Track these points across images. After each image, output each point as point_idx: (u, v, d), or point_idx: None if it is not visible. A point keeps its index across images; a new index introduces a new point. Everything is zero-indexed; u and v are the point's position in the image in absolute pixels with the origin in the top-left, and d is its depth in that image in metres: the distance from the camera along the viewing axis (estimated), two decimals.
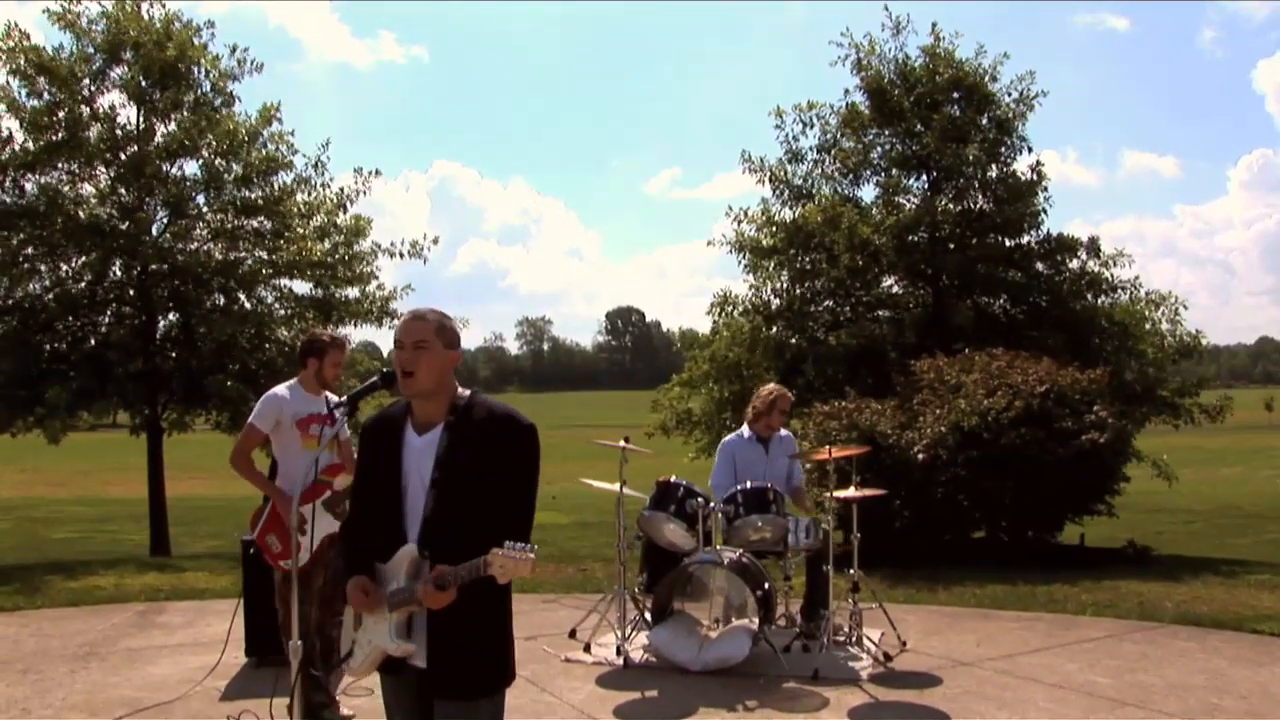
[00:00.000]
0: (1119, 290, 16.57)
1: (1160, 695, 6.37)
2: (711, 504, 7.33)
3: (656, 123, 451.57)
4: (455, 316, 3.57)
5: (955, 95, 16.98)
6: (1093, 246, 16.66)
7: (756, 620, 7.13)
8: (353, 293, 16.11)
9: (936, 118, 16.69)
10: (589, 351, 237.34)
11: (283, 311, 15.75)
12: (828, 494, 7.53)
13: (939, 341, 15.15)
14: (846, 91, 17.89)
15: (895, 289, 17.78)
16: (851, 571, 7.56)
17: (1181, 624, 8.22)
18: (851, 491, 7.55)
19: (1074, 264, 16.88)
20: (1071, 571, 10.58)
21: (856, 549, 7.56)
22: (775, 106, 17.92)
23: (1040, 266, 16.92)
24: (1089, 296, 16.49)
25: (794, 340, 17.44)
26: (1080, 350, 14.90)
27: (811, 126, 18.13)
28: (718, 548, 7.29)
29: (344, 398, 3.52)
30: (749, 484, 7.49)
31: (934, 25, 17.43)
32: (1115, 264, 16.72)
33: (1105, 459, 11.44)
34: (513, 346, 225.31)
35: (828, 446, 7.63)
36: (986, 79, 16.93)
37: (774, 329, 17.68)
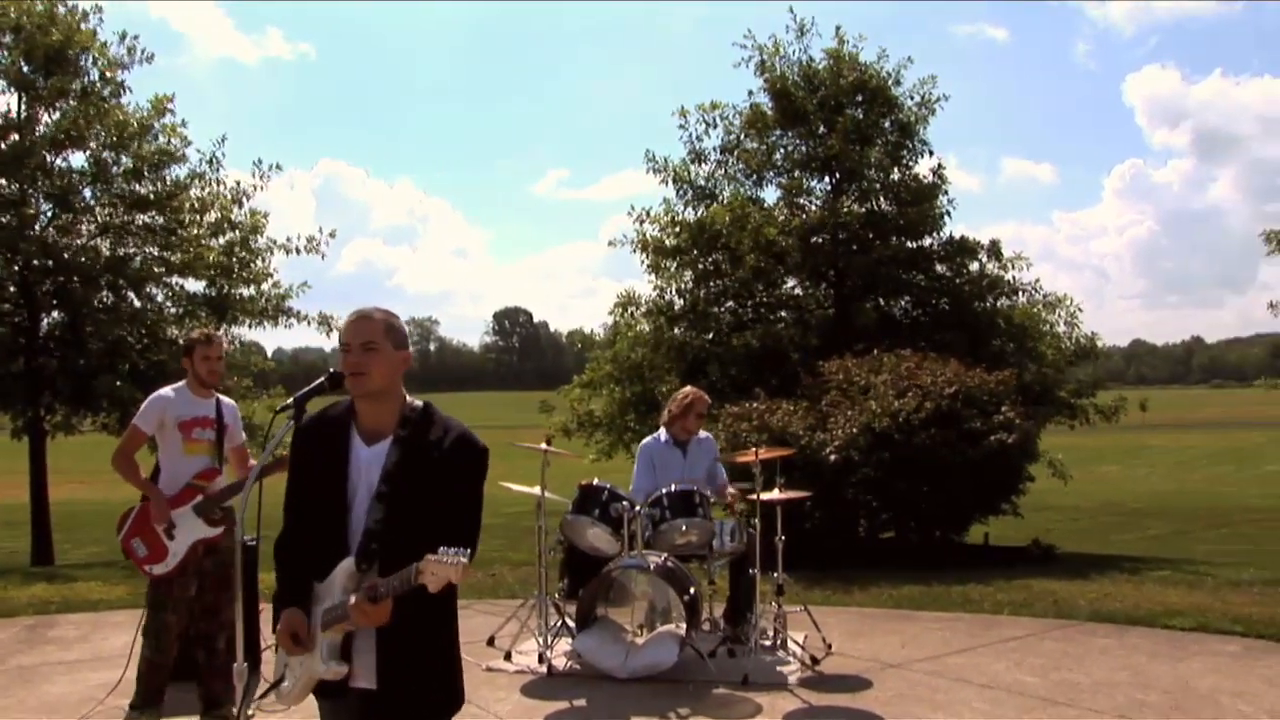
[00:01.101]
0: (1019, 293, 16.89)
1: (1088, 693, 6.41)
2: (636, 508, 7.17)
3: (544, 124, 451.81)
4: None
5: (859, 98, 17.11)
6: (993, 250, 16.94)
7: (683, 625, 7.00)
8: (247, 291, 15.56)
9: (841, 120, 16.80)
10: (476, 352, 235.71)
11: (175, 311, 15.13)
12: (753, 496, 7.42)
13: (842, 343, 15.24)
14: (750, 93, 17.93)
15: (797, 290, 17.85)
16: (776, 575, 7.48)
17: (1097, 621, 8.33)
18: (775, 494, 7.48)
19: (974, 266, 17.13)
20: (981, 571, 10.69)
21: (781, 552, 7.49)
22: (680, 106, 17.87)
23: (941, 269, 17.13)
24: (989, 299, 16.74)
25: (697, 341, 17.36)
26: (981, 352, 15.11)
27: (714, 127, 18.13)
28: (642, 552, 7.13)
29: (288, 400, 3.25)
30: (674, 486, 7.34)
31: (838, 28, 17.58)
32: (1014, 267, 17.04)
33: (1013, 459, 11.62)
34: None
35: (754, 449, 7.51)
36: (890, 83, 17.09)
37: (676, 330, 17.61)
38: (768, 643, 7.45)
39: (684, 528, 7.17)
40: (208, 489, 5.84)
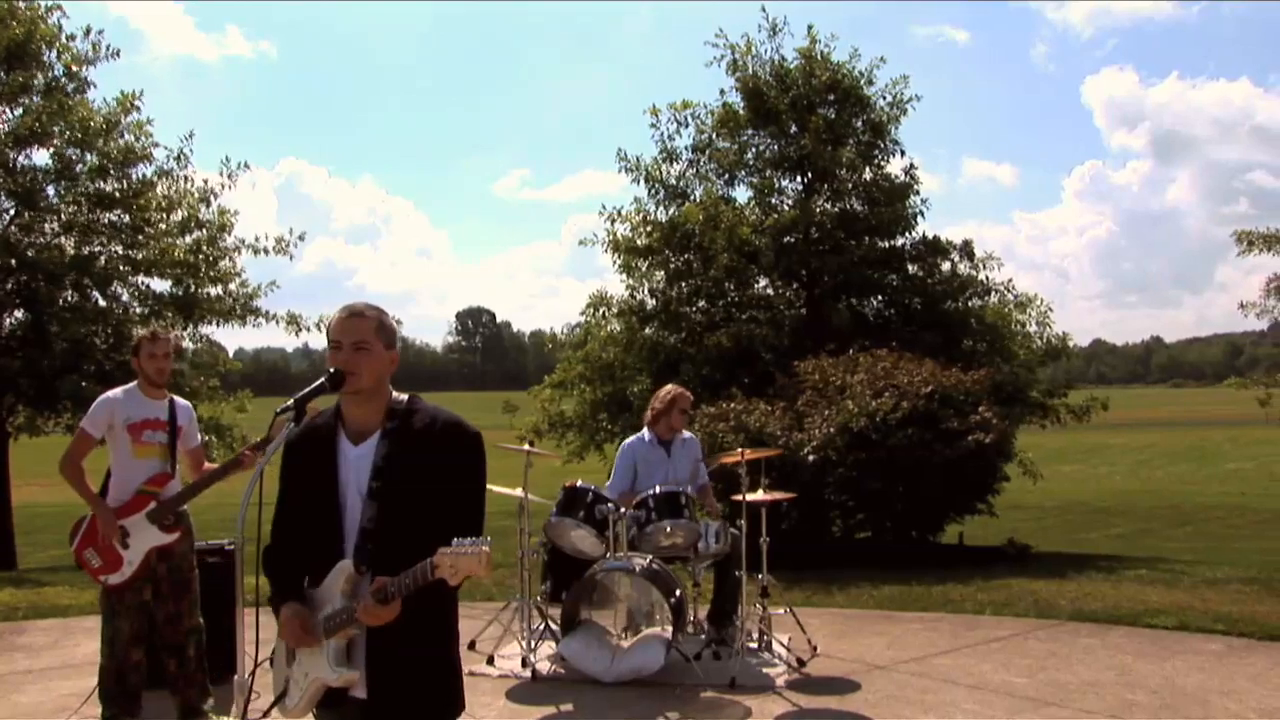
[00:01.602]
0: (992, 293, 16.94)
1: (1077, 693, 6.39)
2: (622, 509, 7.08)
3: (505, 123, 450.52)
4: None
5: (831, 98, 17.11)
6: (966, 250, 17.00)
7: (669, 628, 6.93)
8: (214, 290, 15.32)
9: (813, 120, 16.79)
10: (439, 353, 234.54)
11: (141, 310, 14.87)
12: (739, 496, 7.36)
13: (814, 343, 15.23)
14: (722, 92, 17.90)
15: (769, 290, 17.81)
16: (760, 576, 7.43)
17: (1079, 621, 8.33)
18: (760, 494, 7.42)
19: (946, 266, 17.17)
20: (959, 571, 10.68)
21: (765, 553, 7.44)
22: (651, 105, 17.83)
23: (913, 269, 17.15)
24: (962, 299, 16.77)
25: (669, 341, 17.30)
26: (953, 352, 15.14)
27: (686, 126, 18.09)
28: (627, 554, 7.04)
29: (288, 402, 3.15)
30: (658, 488, 7.26)
31: (810, 28, 17.58)
32: (985, 267, 17.11)
33: (990, 459, 11.63)
34: None
35: (741, 449, 7.46)
36: (863, 83, 17.10)
37: (648, 330, 17.54)
38: (753, 645, 7.39)
39: (669, 529, 7.09)
40: (160, 495, 5.70)
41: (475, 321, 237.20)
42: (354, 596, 3.07)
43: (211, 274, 14.80)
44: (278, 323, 15.69)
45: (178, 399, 5.96)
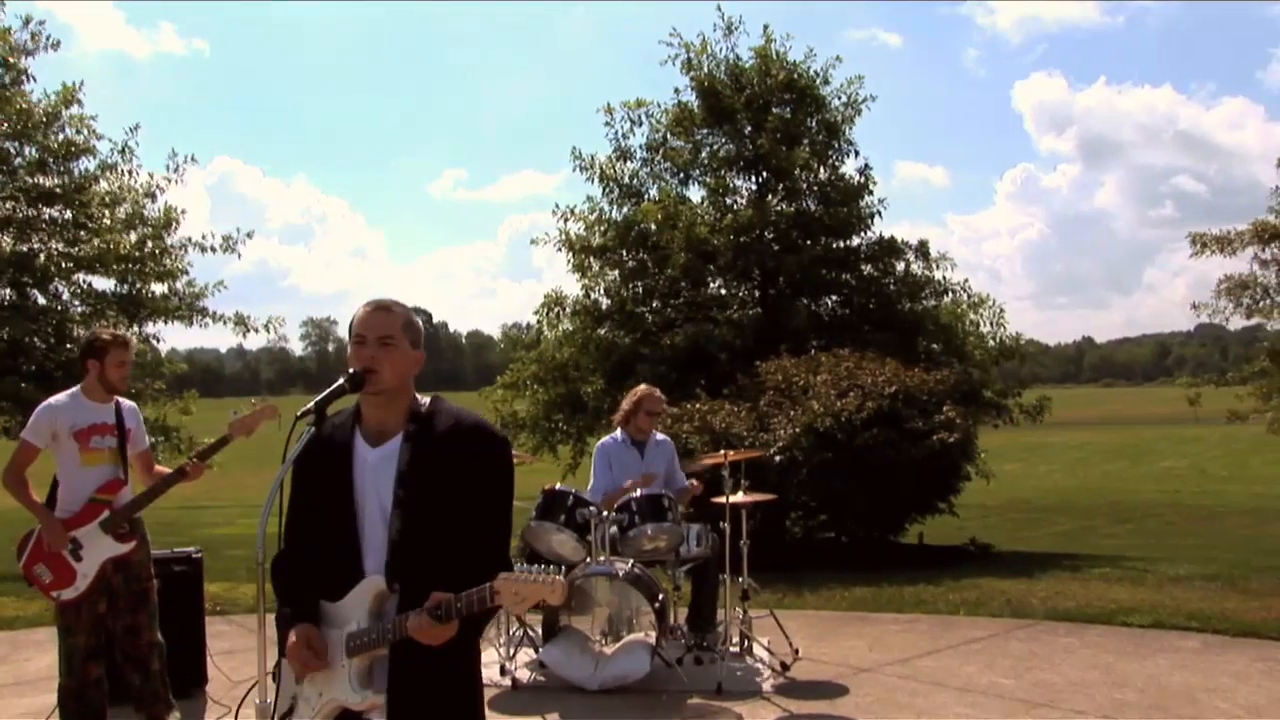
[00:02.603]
0: (949, 293, 17.00)
1: (1066, 694, 6.36)
2: (605, 513, 6.92)
3: (441, 123, 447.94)
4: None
5: (787, 97, 17.06)
6: (921, 250, 17.04)
7: (653, 634, 6.79)
8: (160, 289, 14.89)
9: (769, 119, 16.75)
10: None
11: (83, 309, 14.40)
12: (721, 499, 7.24)
13: (770, 344, 15.19)
14: (677, 90, 17.79)
15: (722, 290, 17.72)
16: (741, 579, 7.32)
17: (1054, 620, 8.32)
18: (741, 496, 7.30)
19: (900, 266, 17.19)
20: (926, 571, 10.68)
21: (746, 556, 7.33)
22: (605, 104, 17.70)
23: (868, 269, 17.15)
24: (919, 299, 16.80)
25: (625, 341, 17.15)
26: (909, 352, 15.16)
27: (640, 125, 17.96)
28: (609, 558, 6.88)
29: (309, 405, 2.95)
30: (639, 491, 7.11)
31: (766, 27, 17.53)
32: (939, 267, 17.16)
33: (954, 458, 11.64)
34: (297, 347, 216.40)
35: (724, 451, 7.34)
36: (819, 82, 17.09)
37: (602, 329, 17.39)
38: (734, 649, 7.27)
39: (653, 533, 6.95)
40: (113, 502, 5.43)
41: None
42: (380, 616, 2.90)
43: (157, 270, 14.35)
44: (225, 323, 15.29)
45: (122, 400, 5.63)
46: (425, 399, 3.07)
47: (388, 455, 2.96)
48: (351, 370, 2.93)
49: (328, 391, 2.95)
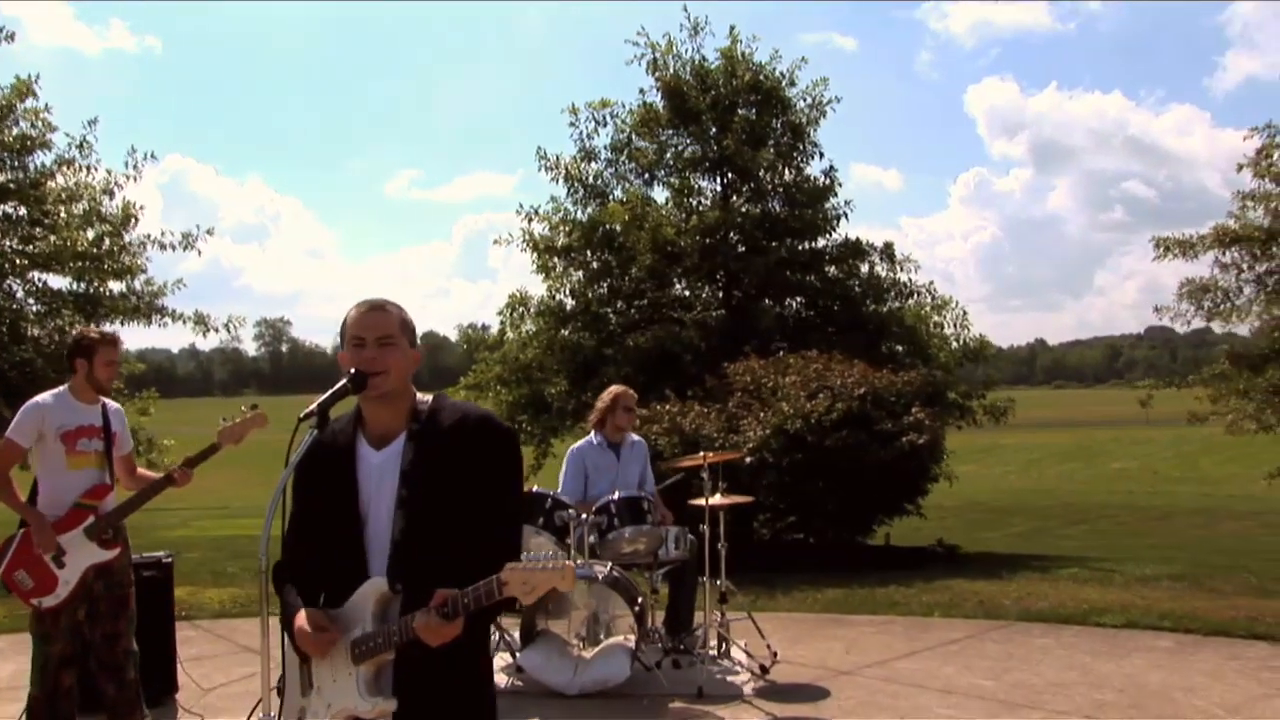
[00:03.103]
0: (915, 295, 17.04)
1: (1046, 694, 6.37)
2: (584, 516, 6.85)
3: (395, 123, 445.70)
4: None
5: (754, 98, 17.05)
6: (887, 252, 17.08)
7: (633, 638, 6.73)
8: (118, 287, 14.59)
9: (735, 120, 16.73)
10: (329, 354, 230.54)
11: (38, 308, 14.07)
12: (699, 501, 7.20)
13: (734, 345, 15.19)
14: (642, 91, 17.71)
15: (685, 292, 17.66)
16: (720, 582, 7.28)
17: (1028, 621, 8.36)
18: (719, 498, 7.26)
19: (865, 268, 17.22)
20: (896, 572, 10.70)
21: (724, 558, 7.29)
22: (570, 104, 17.59)
23: (833, 271, 17.15)
24: (885, 301, 16.83)
25: (589, 342, 17.05)
26: (874, 354, 15.18)
27: (604, 125, 17.89)
28: (588, 562, 6.81)
29: (312, 407, 2.85)
30: (618, 494, 7.04)
31: (732, 28, 17.50)
32: (903, 269, 17.21)
33: (923, 460, 11.67)
34: (250, 348, 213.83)
35: (703, 453, 7.30)
36: (784, 84, 17.09)
37: (565, 330, 17.29)
38: (711, 652, 7.23)
39: (631, 536, 6.88)
40: (99, 508, 5.28)
41: None
42: (385, 618, 2.81)
43: (115, 267, 14.05)
44: (185, 322, 15.01)
45: (108, 402, 5.49)
46: (427, 397, 2.99)
47: (391, 456, 2.89)
48: (353, 371, 2.83)
49: (330, 393, 2.86)
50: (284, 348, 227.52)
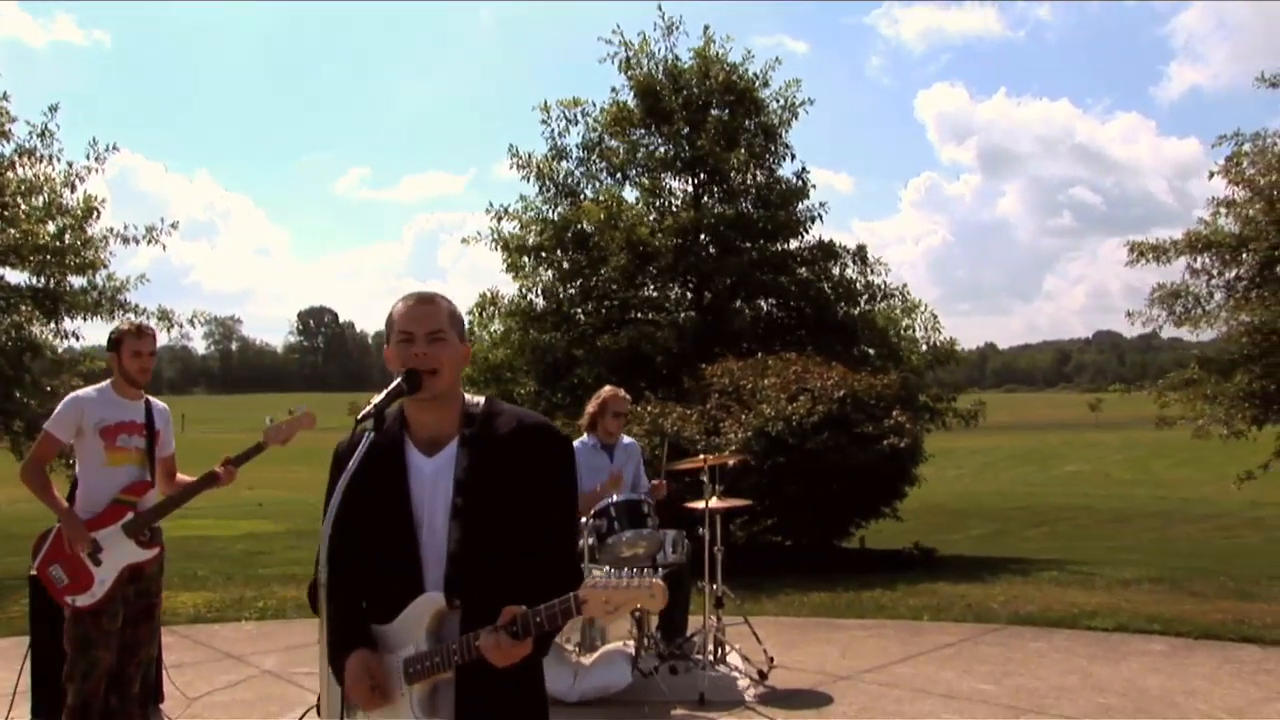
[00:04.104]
0: (890, 297, 17.05)
1: (1050, 699, 6.34)
2: (583, 519, 6.72)
3: (346, 121, 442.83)
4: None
5: (728, 99, 16.99)
6: (859, 254, 17.08)
7: (632, 643, 6.62)
8: (79, 281, 14.23)
9: (708, 120, 16.67)
10: (280, 353, 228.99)
11: None
12: (699, 503, 7.10)
13: (705, 347, 15.12)
14: (614, 90, 17.60)
15: (653, 293, 17.55)
16: (716, 586, 7.18)
17: (1018, 625, 8.36)
18: (715, 502, 7.17)
19: (836, 270, 17.20)
20: (877, 575, 10.69)
21: (721, 562, 7.20)
22: (542, 101, 17.44)
23: (804, 272, 17.11)
24: (855, 302, 16.82)
25: (560, 343, 16.89)
26: (846, 356, 15.17)
27: (576, 124, 17.76)
28: (586, 566, 6.68)
29: (369, 408, 2.68)
30: (616, 496, 6.93)
31: (706, 28, 17.41)
32: (874, 271, 17.22)
33: (904, 462, 11.65)
34: (199, 346, 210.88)
35: (703, 455, 7.20)
36: (758, 84, 17.05)
37: (532, 331, 17.12)
38: (709, 657, 7.12)
39: (631, 539, 6.76)
40: (138, 505, 5.08)
41: (317, 321, 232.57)
42: (440, 635, 2.67)
43: (78, 262, 13.68)
44: (149, 318, 14.65)
45: (154, 400, 5.31)
46: (477, 399, 2.84)
47: (444, 463, 2.73)
48: (408, 369, 2.68)
49: (386, 393, 2.70)
50: (233, 346, 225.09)
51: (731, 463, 10.93)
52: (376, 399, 2.70)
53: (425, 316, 2.73)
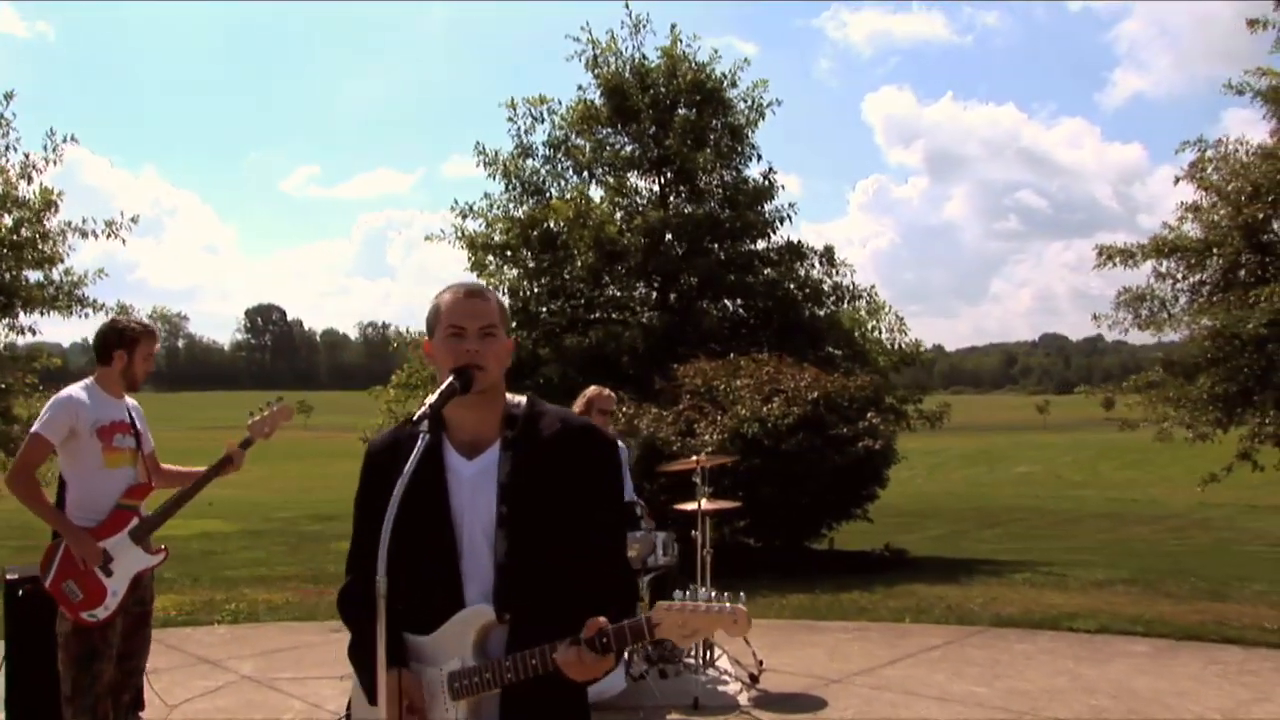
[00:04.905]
0: (857, 299, 17.08)
1: (1043, 702, 6.33)
2: None
3: (295, 119, 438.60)
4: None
5: (696, 98, 16.94)
6: (827, 255, 17.11)
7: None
8: (35, 276, 13.89)
9: (676, 120, 16.61)
10: (227, 350, 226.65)
11: None
12: (691, 506, 7.03)
13: (670, 347, 15.06)
14: (581, 88, 17.53)
15: (619, 293, 17.46)
16: (704, 589, 7.11)
17: (1001, 626, 8.37)
18: (704, 503, 7.10)
19: (802, 271, 17.21)
20: (853, 577, 10.69)
21: (710, 564, 7.13)
22: (509, 98, 17.34)
23: (771, 272, 17.09)
24: (821, 303, 16.84)
25: (525, 341, 16.74)
26: (813, 357, 15.15)
27: (542, 121, 17.65)
28: None
29: (424, 408, 2.54)
30: None
31: (673, 27, 17.38)
32: (839, 272, 17.25)
33: (877, 464, 11.66)
34: None
35: (696, 456, 7.13)
36: (726, 84, 17.02)
37: None
38: (697, 660, 7.05)
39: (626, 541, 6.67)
40: (140, 509, 4.85)
41: (265, 319, 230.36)
42: (486, 650, 2.54)
43: (36, 256, 13.34)
44: (107, 313, 14.34)
45: (128, 397, 5.04)
46: (519, 399, 2.73)
47: (486, 467, 2.60)
48: (463, 366, 2.56)
49: (439, 392, 2.56)
50: (180, 344, 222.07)
51: (727, 463, 11.01)
52: (430, 399, 2.57)
53: (478, 311, 2.59)
